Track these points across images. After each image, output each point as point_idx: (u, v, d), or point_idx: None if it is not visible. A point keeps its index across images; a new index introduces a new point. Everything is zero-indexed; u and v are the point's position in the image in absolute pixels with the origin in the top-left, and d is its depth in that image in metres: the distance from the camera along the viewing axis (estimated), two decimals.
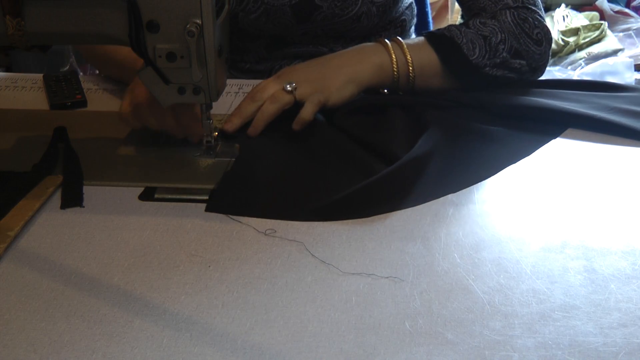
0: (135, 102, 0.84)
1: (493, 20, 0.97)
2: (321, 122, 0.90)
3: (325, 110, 0.91)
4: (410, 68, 0.94)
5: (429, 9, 1.31)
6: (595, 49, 2.25)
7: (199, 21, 0.71)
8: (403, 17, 1.12)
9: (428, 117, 0.89)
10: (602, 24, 2.33)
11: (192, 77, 0.74)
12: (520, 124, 0.92)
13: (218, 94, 0.79)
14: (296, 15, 1.02)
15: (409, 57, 0.94)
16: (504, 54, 0.96)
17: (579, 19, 2.37)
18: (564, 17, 2.37)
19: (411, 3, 1.15)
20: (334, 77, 0.90)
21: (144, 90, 0.82)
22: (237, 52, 1.11)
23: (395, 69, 0.93)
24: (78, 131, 0.91)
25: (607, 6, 2.47)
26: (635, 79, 2.08)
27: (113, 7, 0.72)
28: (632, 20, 2.42)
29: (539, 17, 0.99)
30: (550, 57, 1.96)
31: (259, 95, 0.88)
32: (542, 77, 1.03)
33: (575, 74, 2.12)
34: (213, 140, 0.84)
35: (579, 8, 2.48)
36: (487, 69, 0.95)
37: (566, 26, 2.32)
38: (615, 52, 2.24)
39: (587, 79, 2.04)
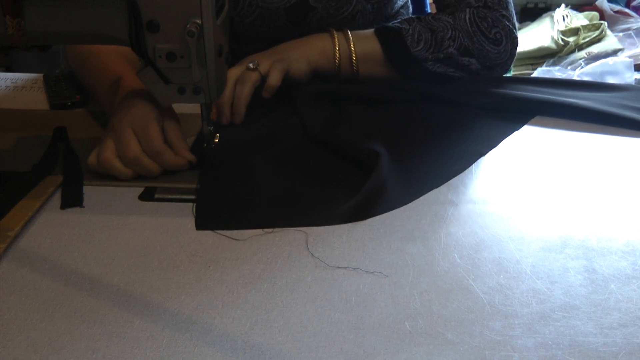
0: (131, 152, 0.79)
1: (449, 17, 0.99)
2: (292, 123, 0.94)
3: (290, 92, 0.97)
4: (354, 57, 0.98)
5: (428, 9, 1.31)
6: (595, 49, 2.25)
7: (199, 21, 0.71)
8: (399, 17, 1.12)
9: (389, 113, 0.94)
10: (602, 24, 2.33)
11: (192, 77, 0.74)
12: (487, 113, 0.95)
13: (218, 94, 0.79)
14: (291, 17, 1.02)
15: (352, 45, 0.98)
16: (451, 50, 0.98)
17: (579, 19, 2.37)
18: (564, 17, 2.37)
19: (407, 1, 1.15)
20: (288, 51, 0.97)
21: (135, 139, 0.79)
22: (234, 55, 1.11)
23: (337, 56, 0.98)
24: (78, 131, 0.91)
25: (607, 6, 2.47)
26: (635, 79, 2.08)
27: (113, 7, 0.72)
28: (632, 20, 2.42)
29: (500, 16, 1.00)
30: (550, 57, 1.94)
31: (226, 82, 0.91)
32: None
33: (575, 74, 2.12)
34: (214, 146, 0.84)
35: (579, 8, 2.48)
36: (429, 63, 0.98)
37: (566, 26, 2.32)
38: (615, 52, 2.24)
39: (585, 80, 2.04)
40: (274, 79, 0.93)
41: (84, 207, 0.77)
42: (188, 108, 0.88)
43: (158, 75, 0.75)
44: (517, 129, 0.92)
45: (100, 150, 0.80)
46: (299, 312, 0.62)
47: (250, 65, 0.93)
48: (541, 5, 2.55)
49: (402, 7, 1.13)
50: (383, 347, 0.59)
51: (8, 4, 0.71)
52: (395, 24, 0.99)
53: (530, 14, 2.55)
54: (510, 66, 1.04)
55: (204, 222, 0.74)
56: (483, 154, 0.87)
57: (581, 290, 0.65)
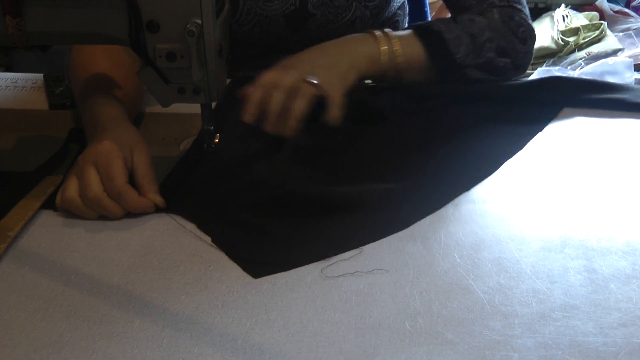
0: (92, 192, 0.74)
1: (481, 17, 0.97)
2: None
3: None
4: (400, 62, 0.93)
5: (427, 9, 1.31)
6: (595, 48, 2.25)
7: (199, 21, 0.71)
8: (396, 18, 1.12)
9: (411, 126, 0.90)
10: (602, 23, 2.33)
11: (192, 77, 0.74)
12: (507, 116, 0.93)
13: (218, 94, 0.79)
14: (290, 24, 1.02)
15: (398, 50, 0.93)
16: (490, 54, 0.96)
17: (579, 19, 2.37)
18: (564, 17, 2.37)
19: (403, 2, 1.15)
20: (337, 65, 0.88)
21: (98, 181, 0.74)
22: (232, 60, 1.10)
23: (384, 60, 0.93)
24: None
25: (607, 6, 2.47)
26: (635, 79, 2.08)
27: (113, 7, 0.72)
28: (632, 20, 2.42)
29: (524, 15, 1.00)
30: (550, 57, 1.94)
31: (276, 85, 0.83)
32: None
33: (575, 74, 2.12)
34: (214, 145, 0.84)
35: (578, 8, 2.48)
36: (470, 69, 0.96)
37: (566, 26, 2.32)
38: (615, 52, 2.24)
39: (584, 78, 2.04)
40: (338, 102, 0.84)
41: (56, 211, 0.76)
42: (188, 108, 0.88)
43: (158, 75, 0.75)
44: (545, 125, 0.91)
45: (63, 188, 0.75)
46: (299, 312, 0.62)
47: (313, 80, 0.83)
48: (541, 5, 2.55)
49: (399, 8, 1.12)
50: (383, 347, 0.59)
51: (8, 4, 0.71)
52: (435, 26, 0.95)
53: (530, 14, 2.55)
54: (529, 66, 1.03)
55: (257, 271, 0.68)
56: (513, 153, 0.86)
57: (581, 290, 0.65)
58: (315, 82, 0.83)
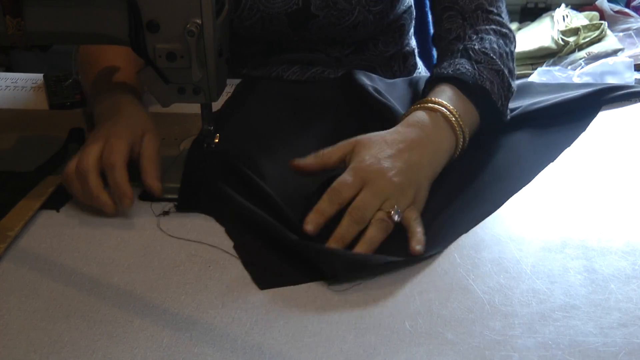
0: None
1: (483, 42, 0.90)
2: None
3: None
4: (465, 144, 0.83)
5: (428, 9, 1.31)
6: (595, 48, 2.25)
7: (199, 21, 0.71)
8: (402, 22, 1.11)
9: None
10: (602, 23, 2.33)
11: (192, 77, 0.74)
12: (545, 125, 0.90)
13: (218, 94, 0.79)
14: (292, 23, 1.02)
15: (467, 135, 0.82)
16: (513, 87, 0.90)
17: (579, 19, 2.37)
18: (564, 17, 2.37)
19: (410, 7, 1.14)
20: (422, 185, 0.76)
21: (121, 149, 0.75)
22: (234, 57, 1.10)
23: (458, 151, 0.82)
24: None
25: (607, 6, 2.47)
26: (635, 79, 2.08)
27: (113, 7, 0.72)
28: (632, 20, 2.42)
29: (508, 30, 0.95)
30: (550, 57, 1.93)
31: (359, 214, 0.71)
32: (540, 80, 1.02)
33: (575, 74, 2.11)
34: (214, 145, 0.84)
35: (579, 8, 2.48)
36: (504, 114, 0.89)
37: (566, 26, 2.32)
38: (615, 52, 2.23)
39: (584, 82, 2.04)
40: (419, 240, 0.71)
41: (58, 211, 0.76)
42: (188, 108, 0.88)
43: (158, 75, 0.75)
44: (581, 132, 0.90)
45: (67, 164, 0.76)
46: (299, 312, 0.62)
47: (396, 217, 0.71)
48: (541, 5, 2.55)
49: (404, 12, 1.11)
50: (383, 347, 0.59)
51: (8, 4, 0.71)
52: (471, 78, 0.84)
53: (530, 14, 2.54)
54: None
55: (264, 282, 0.67)
56: (552, 159, 0.84)
57: (581, 290, 0.65)
58: (397, 218, 0.72)
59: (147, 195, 0.79)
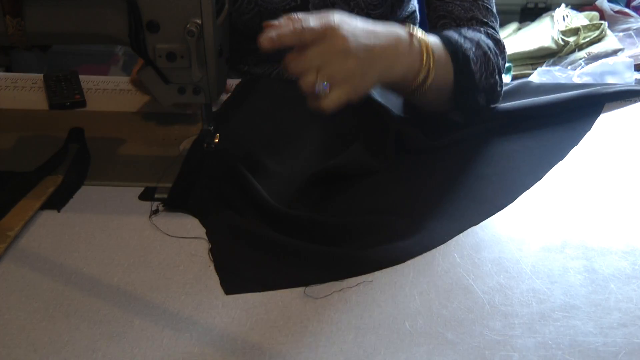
0: None
1: (475, 33, 0.90)
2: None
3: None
4: (428, 82, 0.82)
5: None
6: (595, 48, 2.25)
7: (199, 21, 0.71)
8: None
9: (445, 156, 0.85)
10: (602, 23, 2.33)
11: (192, 77, 0.74)
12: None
13: (218, 94, 0.79)
14: None
15: (432, 71, 0.81)
16: (498, 80, 0.90)
17: (579, 19, 2.37)
18: (564, 17, 2.36)
19: (414, 12, 1.14)
20: (368, 75, 0.77)
21: None
22: (235, 53, 1.10)
23: (416, 81, 0.82)
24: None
25: (607, 6, 2.47)
26: (635, 79, 2.08)
27: (113, 7, 0.72)
28: (632, 20, 2.41)
29: (503, 47, 0.94)
30: (550, 57, 1.91)
31: (300, 63, 0.73)
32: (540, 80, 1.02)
33: (575, 74, 2.11)
34: (214, 145, 0.84)
35: (579, 8, 2.48)
36: (479, 90, 0.88)
37: (566, 26, 2.32)
38: (615, 52, 2.23)
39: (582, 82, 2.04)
40: (331, 103, 0.73)
41: (59, 211, 0.76)
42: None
43: (158, 75, 0.75)
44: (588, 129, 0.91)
45: None
46: (299, 312, 0.62)
47: (323, 86, 0.72)
48: (541, 5, 2.55)
49: (407, 17, 1.11)
50: (383, 347, 0.59)
51: (8, 4, 0.71)
52: (464, 48, 0.85)
53: (530, 14, 2.54)
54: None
55: (231, 286, 0.67)
56: (562, 157, 0.85)
57: (581, 290, 0.65)
58: (324, 89, 0.73)
59: (147, 195, 0.79)
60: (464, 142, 0.87)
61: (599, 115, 0.93)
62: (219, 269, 0.68)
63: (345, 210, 0.76)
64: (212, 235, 0.73)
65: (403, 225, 0.73)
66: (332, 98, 0.73)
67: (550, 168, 0.83)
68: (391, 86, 0.84)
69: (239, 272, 0.68)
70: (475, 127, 0.89)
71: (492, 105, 0.91)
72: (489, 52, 0.88)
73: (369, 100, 0.93)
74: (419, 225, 0.73)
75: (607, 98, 0.96)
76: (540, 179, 0.81)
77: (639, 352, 0.58)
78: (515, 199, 0.78)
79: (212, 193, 0.78)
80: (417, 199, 0.78)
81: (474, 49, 0.86)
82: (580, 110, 0.94)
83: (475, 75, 0.86)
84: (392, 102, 0.94)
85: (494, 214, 0.75)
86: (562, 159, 0.85)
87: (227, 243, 0.71)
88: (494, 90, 0.90)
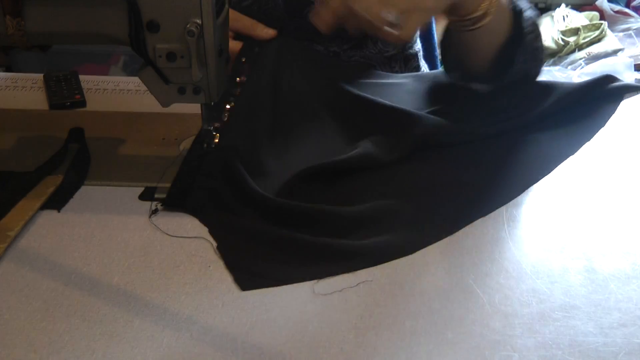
0: None
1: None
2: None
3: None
4: (487, 18, 0.83)
5: (434, 30, 1.30)
6: (595, 48, 2.25)
7: (199, 21, 0.71)
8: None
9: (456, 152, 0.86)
10: (602, 23, 2.33)
11: (192, 77, 0.74)
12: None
13: (218, 94, 0.79)
14: (288, 9, 1.02)
15: (493, 5, 0.83)
16: (538, 44, 0.92)
17: (579, 19, 2.37)
18: (564, 17, 2.37)
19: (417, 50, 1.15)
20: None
21: None
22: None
23: (480, 11, 0.83)
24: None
25: (607, 6, 2.47)
26: (635, 79, 2.08)
27: (113, 7, 0.72)
28: (632, 20, 2.42)
29: None
30: (550, 57, 1.92)
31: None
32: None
33: (575, 74, 2.12)
34: (214, 146, 0.84)
35: (579, 8, 2.48)
36: (521, 55, 0.89)
37: (566, 26, 2.32)
38: (615, 52, 2.23)
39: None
40: (408, 35, 0.75)
41: (59, 211, 0.76)
42: (188, 108, 0.88)
43: (158, 75, 0.75)
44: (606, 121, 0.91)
45: None
46: (298, 312, 0.62)
47: (392, 18, 0.74)
48: (541, 5, 2.55)
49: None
50: (383, 347, 0.59)
51: (8, 4, 0.71)
52: (522, 5, 0.89)
53: None
54: None
55: (246, 283, 0.67)
56: (574, 151, 0.86)
57: (581, 290, 0.65)
58: (395, 21, 0.75)
59: (147, 195, 0.79)
60: (479, 137, 0.88)
61: (614, 112, 0.93)
62: (230, 267, 0.68)
63: (351, 199, 0.77)
64: (216, 233, 0.72)
65: (409, 214, 0.74)
66: (410, 26, 0.75)
67: (561, 162, 0.84)
68: (453, 8, 0.83)
69: (250, 268, 0.68)
70: (488, 126, 0.89)
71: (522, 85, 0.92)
72: (535, 18, 0.91)
73: (380, 105, 0.92)
74: (426, 215, 0.74)
75: (624, 90, 0.96)
76: (551, 171, 0.82)
77: (639, 352, 0.58)
78: (525, 190, 0.79)
79: (211, 192, 0.77)
80: (425, 192, 0.78)
81: (529, 10, 0.89)
82: (597, 105, 0.94)
83: (525, 29, 0.87)
84: (404, 90, 0.95)
85: (504, 204, 0.76)
86: (573, 154, 0.85)
87: (233, 239, 0.72)
88: (536, 57, 0.91)
